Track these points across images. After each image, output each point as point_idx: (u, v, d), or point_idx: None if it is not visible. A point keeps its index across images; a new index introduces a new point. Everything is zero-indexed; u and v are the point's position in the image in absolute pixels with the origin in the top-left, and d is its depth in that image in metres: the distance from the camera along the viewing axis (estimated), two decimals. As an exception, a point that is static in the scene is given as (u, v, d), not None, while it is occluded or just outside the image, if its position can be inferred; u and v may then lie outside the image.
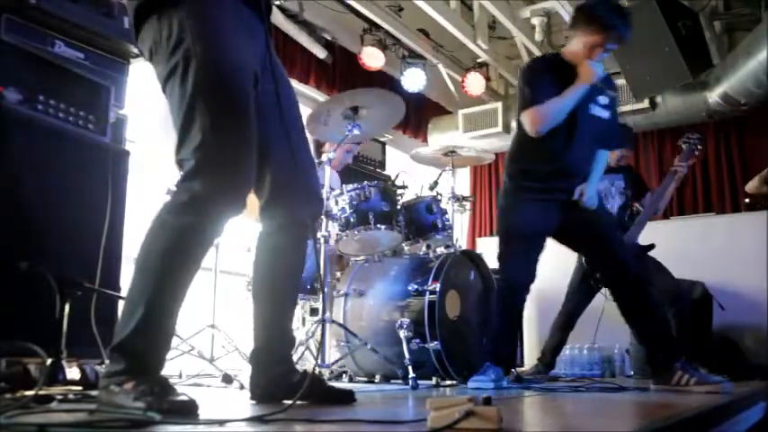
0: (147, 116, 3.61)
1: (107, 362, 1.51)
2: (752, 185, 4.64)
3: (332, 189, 3.28)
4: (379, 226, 3.27)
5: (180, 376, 3.01)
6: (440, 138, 6.77)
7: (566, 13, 5.24)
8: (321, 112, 3.27)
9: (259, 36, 1.75)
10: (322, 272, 3.17)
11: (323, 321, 2.97)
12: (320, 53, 5.44)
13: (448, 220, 3.61)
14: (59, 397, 1.64)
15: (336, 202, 3.31)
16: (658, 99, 5.88)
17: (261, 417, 1.33)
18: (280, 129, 1.75)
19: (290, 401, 1.55)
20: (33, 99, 2.25)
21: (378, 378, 3.27)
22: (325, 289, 3.23)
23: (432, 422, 1.13)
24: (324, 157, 3.29)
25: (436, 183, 3.82)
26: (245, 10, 1.72)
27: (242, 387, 2.53)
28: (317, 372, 2.68)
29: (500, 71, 6.44)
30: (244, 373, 2.74)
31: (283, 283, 1.91)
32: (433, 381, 3.08)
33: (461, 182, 6.86)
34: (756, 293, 4.27)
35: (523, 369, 3.98)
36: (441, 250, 3.47)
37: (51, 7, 2.46)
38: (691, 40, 4.14)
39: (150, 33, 1.63)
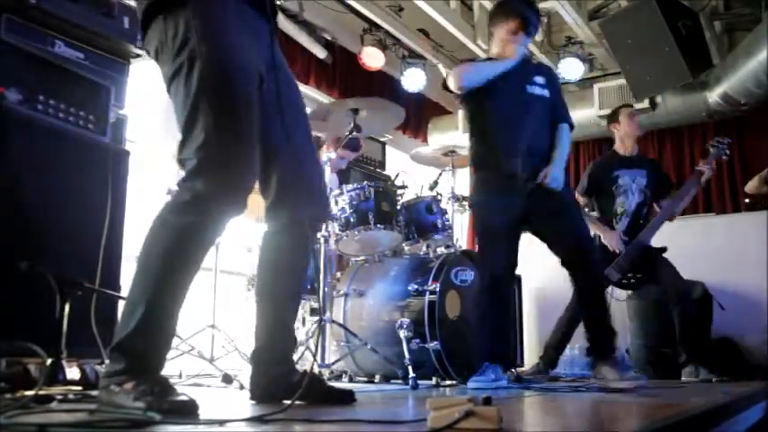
0: (147, 116, 3.61)
1: (107, 361, 1.51)
2: (752, 185, 4.65)
3: (330, 189, 3.28)
4: (379, 226, 3.27)
5: (180, 376, 3.01)
6: (440, 138, 6.77)
7: (566, 13, 5.24)
8: (320, 112, 3.28)
9: (264, 37, 1.76)
10: (322, 272, 3.17)
11: (323, 321, 2.97)
12: (320, 53, 5.44)
13: (448, 220, 3.61)
14: (59, 397, 1.64)
15: (336, 202, 3.31)
16: (658, 99, 5.88)
17: (261, 417, 1.33)
18: (282, 130, 1.75)
19: (289, 401, 1.55)
20: (33, 99, 2.25)
21: (378, 378, 3.27)
22: (325, 289, 3.23)
23: (432, 422, 1.13)
24: (324, 157, 3.29)
25: (436, 183, 3.82)
26: (251, 11, 1.73)
27: (242, 387, 2.53)
28: (316, 372, 2.68)
29: (500, 71, 6.43)
30: (244, 373, 2.74)
31: (287, 283, 1.91)
32: (433, 381, 3.08)
33: (461, 182, 6.84)
34: (756, 293, 4.27)
35: (524, 369, 3.98)
36: (441, 250, 3.48)
37: (51, 7, 2.46)
38: (691, 40, 4.14)
39: (157, 34, 1.64)
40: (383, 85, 5.92)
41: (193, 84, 1.56)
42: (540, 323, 4.81)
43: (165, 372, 1.53)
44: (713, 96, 5.58)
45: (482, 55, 5.77)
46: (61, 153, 2.30)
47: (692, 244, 4.55)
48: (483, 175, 2.93)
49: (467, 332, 3.24)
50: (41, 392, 1.59)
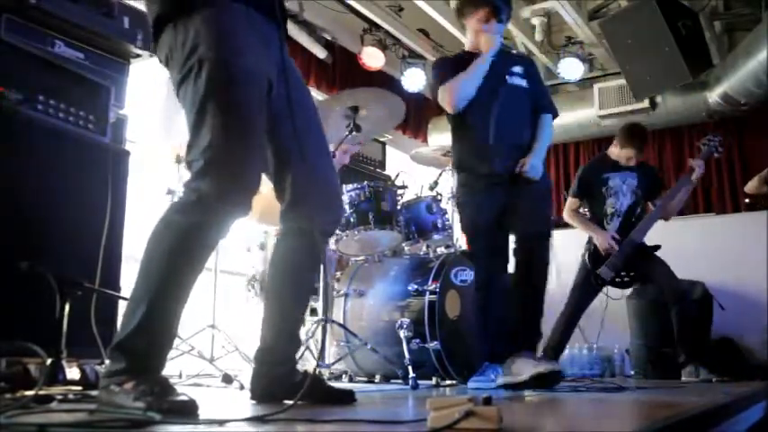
0: (147, 116, 3.61)
1: (108, 361, 1.51)
2: (751, 185, 4.65)
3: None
4: (379, 226, 3.27)
5: (180, 376, 3.01)
6: (440, 138, 6.76)
7: (566, 13, 5.24)
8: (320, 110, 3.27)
9: (273, 42, 1.77)
10: (322, 272, 3.17)
11: (323, 321, 2.97)
12: (320, 53, 5.44)
13: (448, 220, 3.61)
14: (59, 397, 1.64)
15: (336, 202, 3.31)
16: (658, 99, 5.89)
17: (261, 417, 1.33)
18: (294, 134, 1.76)
19: (290, 401, 1.55)
20: (33, 99, 2.25)
21: (378, 378, 3.27)
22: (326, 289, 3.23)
23: (432, 422, 1.13)
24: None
25: (436, 183, 3.82)
26: (259, 17, 1.75)
27: (242, 387, 2.53)
28: (317, 372, 2.68)
29: (500, 71, 6.43)
30: (244, 373, 2.74)
31: (296, 286, 1.92)
32: (433, 381, 3.08)
33: (461, 182, 6.85)
34: (756, 293, 4.27)
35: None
36: (441, 250, 3.48)
37: (51, 7, 2.46)
38: (691, 40, 4.14)
39: (167, 41, 1.67)
40: (383, 85, 5.87)
41: (201, 86, 1.58)
42: (542, 323, 4.81)
43: (165, 372, 1.53)
44: (713, 96, 5.58)
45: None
46: (61, 153, 2.30)
47: (692, 244, 4.55)
48: (464, 177, 2.89)
49: (467, 332, 3.24)
50: (41, 392, 1.59)
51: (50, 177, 2.24)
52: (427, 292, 3.13)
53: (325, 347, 3.08)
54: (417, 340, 3.04)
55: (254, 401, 1.84)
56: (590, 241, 3.79)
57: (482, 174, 2.78)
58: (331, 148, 3.45)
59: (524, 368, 2.49)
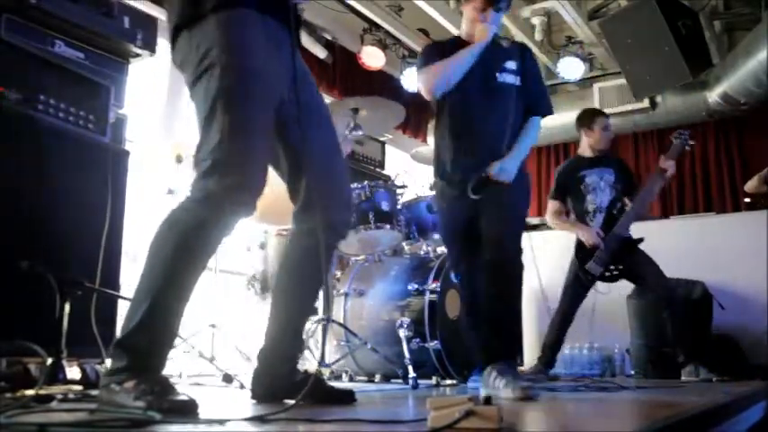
0: (147, 116, 3.61)
1: (109, 359, 1.51)
2: (751, 185, 4.65)
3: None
4: (379, 225, 3.27)
5: (180, 376, 3.01)
6: (440, 137, 6.76)
7: (566, 13, 5.24)
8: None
9: (286, 47, 1.79)
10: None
11: (323, 321, 2.97)
12: (320, 53, 5.44)
13: (448, 220, 3.60)
14: (60, 396, 1.65)
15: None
16: (658, 99, 5.89)
17: (261, 416, 1.33)
18: (306, 137, 1.78)
19: (291, 401, 1.55)
20: (33, 99, 2.25)
21: (378, 378, 3.27)
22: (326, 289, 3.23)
23: (432, 422, 1.13)
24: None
25: (436, 182, 3.81)
26: (272, 22, 1.76)
27: (242, 387, 2.53)
28: (318, 372, 2.68)
29: (500, 71, 6.43)
30: (244, 373, 2.74)
31: (303, 286, 1.93)
32: (433, 380, 3.08)
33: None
34: (756, 293, 4.26)
35: (523, 369, 3.98)
36: (441, 250, 3.47)
37: (51, 7, 2.47)
38: (691, 39, 4.14)
39: (183, 46, 1.71)
40: (383, 85, 5.92)
41: (212, 88, 1.61)
42: (540, 323, 4.80)
43: (165, 371, 1.54)
44: (713, 96, 5.58)
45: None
46: (61, 153, 2.30)
47: (693, 243, 4.55)
48: (437, 183, 2.71)
49: (467, 332, 3.24)
50: (42, 392, 1.59)
51: (50, 177, 2.24)
52: (427, 292, 3.13)
53: (326, 347, 3.08)
54: (417, 340, 3.04)
55: (254, 401, 1.84)
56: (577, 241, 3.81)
57: (454, 181, 2.61)
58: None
59: (500, 385, 2.24)
